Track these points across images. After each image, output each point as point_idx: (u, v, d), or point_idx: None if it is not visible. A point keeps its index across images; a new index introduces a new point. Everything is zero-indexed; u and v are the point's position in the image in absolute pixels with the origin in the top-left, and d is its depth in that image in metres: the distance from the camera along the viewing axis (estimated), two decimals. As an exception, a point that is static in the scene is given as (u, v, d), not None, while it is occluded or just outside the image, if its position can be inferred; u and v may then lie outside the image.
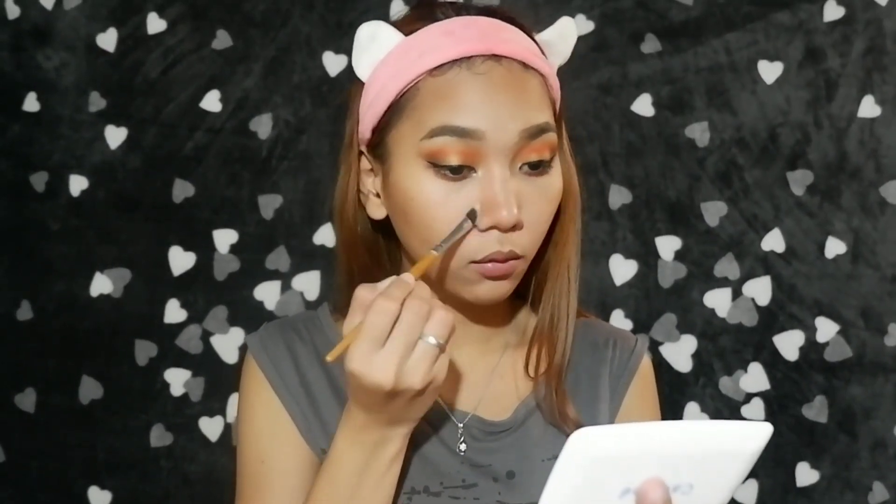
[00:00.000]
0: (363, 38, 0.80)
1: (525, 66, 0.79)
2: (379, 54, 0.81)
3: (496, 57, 0.78)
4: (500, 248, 0.78)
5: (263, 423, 0.85)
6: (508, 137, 0.77)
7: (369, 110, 0.82)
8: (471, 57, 0.78)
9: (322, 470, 0.77)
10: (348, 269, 0.88)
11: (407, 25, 0.81)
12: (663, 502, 0.59)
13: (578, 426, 0.70)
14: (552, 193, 0.81)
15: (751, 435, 0.60)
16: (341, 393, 0.86)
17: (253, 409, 0.86)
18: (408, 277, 0.73)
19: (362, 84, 0.83)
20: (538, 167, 0.79)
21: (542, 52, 0.83)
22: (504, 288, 0.81)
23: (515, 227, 0.78)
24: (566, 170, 0.85)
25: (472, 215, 0.77)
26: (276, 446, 0.84)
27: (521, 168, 0.78)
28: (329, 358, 0.71)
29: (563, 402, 0.86)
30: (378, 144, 0.82)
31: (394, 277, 0.74)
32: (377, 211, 0.84)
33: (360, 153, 0.85)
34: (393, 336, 0.71)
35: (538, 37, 0.84)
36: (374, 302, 0.71)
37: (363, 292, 0.73)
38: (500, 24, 0.81)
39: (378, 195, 0.84)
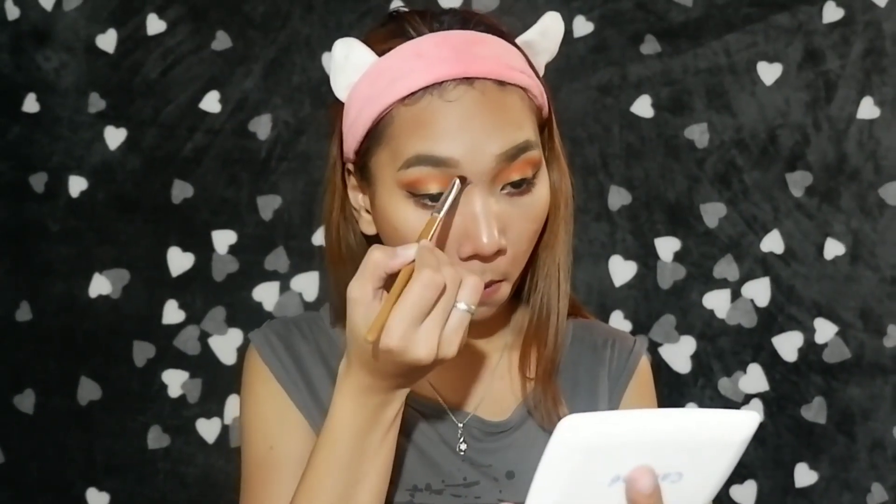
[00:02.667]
0: (338, 59, 0.78)
1: (501, 83, 0.77)
2: (354, 76, 0.79)
3: (469, 80, 0.75)
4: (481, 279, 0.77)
5: (270, 411, 0.85)
6: (485, 162, 0.74)
7: (350, 133, 0.80)
8: (442, 82, 0.75)
9: (321, 437, 0.75)
10: (336, 286, 0.87)
11: (379, 43, 0.79)
12: (652, 491, 0.58)
13: None
14: (537, 212, 0.79)
15: (739, 424, 0.60)
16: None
17: (258, 399, 0.85)
18: (428, 244, 0.71)
19: (342, 104, 0.81)
20: (520, 185, 0.77)
21: (526, 56, 0.81)
22: (487, 312, 0.81)
23: (498, 254, 0.76)
24: (557, 169, 0.84)
25: (462, 178, 0.75)
26: (285, 433, 0.83)
27: (502, 189, 0.76)
28: (370, 337, 0.67)
29: (555, 401, 0.85)
30: (363, 167, 0.80)
31: (414, 245, 0.70)
32: (369, 227, 0.83)
33: (349, 171, 0.84)
34: (434, 308, 0.68)
35: (521, 39, 0.82)
36: (421, 275, 0.67)
37: (381, 257, 0.70)
38: (474, 38, 0.77)
39: (369, 211, 0.83)
